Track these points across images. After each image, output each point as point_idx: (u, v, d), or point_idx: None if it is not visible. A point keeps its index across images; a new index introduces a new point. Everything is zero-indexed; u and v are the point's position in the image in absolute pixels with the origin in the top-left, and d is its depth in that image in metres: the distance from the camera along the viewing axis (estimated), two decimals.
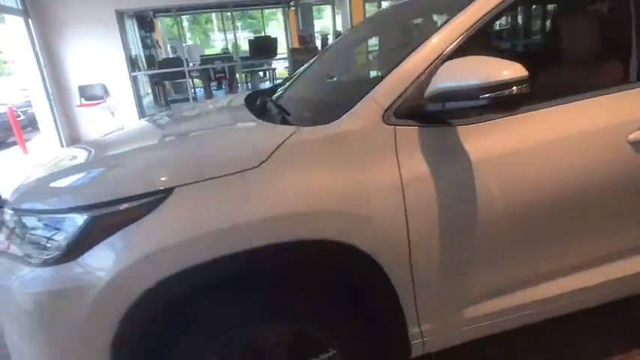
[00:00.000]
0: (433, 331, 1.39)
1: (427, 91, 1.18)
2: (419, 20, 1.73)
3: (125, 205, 1.13)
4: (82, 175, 1.36)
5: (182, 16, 11.96)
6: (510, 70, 1.05)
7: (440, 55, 1.23)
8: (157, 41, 13.42)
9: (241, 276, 1.17)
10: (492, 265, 1.34)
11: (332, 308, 1.29)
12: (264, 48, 8.77)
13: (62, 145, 7.25)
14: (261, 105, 1.76)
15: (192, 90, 8.67)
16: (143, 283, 1.10)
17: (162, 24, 15.27)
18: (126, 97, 7.75)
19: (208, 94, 8.84)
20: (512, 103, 1.07)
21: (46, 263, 1.17)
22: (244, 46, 12.33)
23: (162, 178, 1.16)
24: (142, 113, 8.06)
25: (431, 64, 1.23)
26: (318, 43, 12.18)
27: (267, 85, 12.23)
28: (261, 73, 11.00)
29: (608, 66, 1.51)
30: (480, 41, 1.32)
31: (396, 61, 1.27)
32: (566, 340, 1.83)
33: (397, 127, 1.22)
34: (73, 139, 7.54)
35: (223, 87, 10.79)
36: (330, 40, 11.81)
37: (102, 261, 1.12)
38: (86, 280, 1.12)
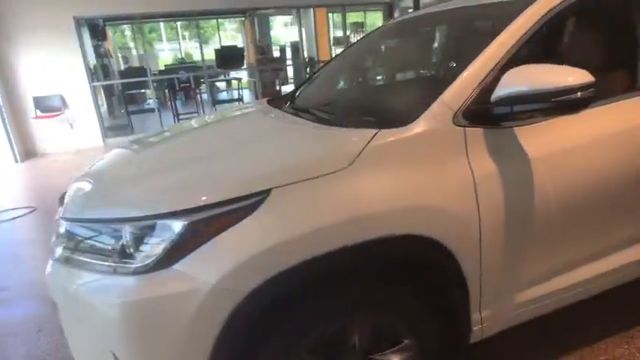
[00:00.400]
0: (491, 317, 1.50)
1: (494, 95, 1.30)
2: (475, 24, 1.85)
3: (225, 209, 1.15)
4: (167, 179, 1.35)
5: (133, 25, 11.54)
6: (578, 76, 1.19)
7: (499, 62, 1.37)
8: (109, 50, 12.89)
9: (335, 272, 1.22)
10: (545, 252, 1.49)
11: (411, 299, 1.37)
12: (231, 58, 8.73)
13: (16, 161, 6.76)
14: (306, 109, 1.80)
15: (155, 100, 8.40)
16: (247, 285, 1.12)
17: (112, 33, 14.68)
18: (86, 109, 7.38)
19: (172, 105, 8.60)
20: (580, 106, 1.22)
21: (136, 272, 1.15)
22: (197, 56, 12.19)
23: (260, 181, 1.19)
24: (103, 125, 7.70)
25: (491, 70, 1.36)
26: (277, 53, 12.30)
27: (227, 95, 12.15)
28: (223, 84, 10.90)
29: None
30: (535, 47, 1.46)
31: (461, 66, 1.39)
32: (565, 322, 1.91)
33: (466, 129, 1.33)
34: (28, 153, 7.06)
35: (182, 98, 10.53)
36: (289, 50, 11.98)
37: (203, 266, 1.13)
38: (186, 286, 1.12)
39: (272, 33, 15.65)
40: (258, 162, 1.33)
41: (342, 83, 2.06)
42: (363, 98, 1.89)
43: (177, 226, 1.14)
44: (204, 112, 8.39)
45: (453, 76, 1.39)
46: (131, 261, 1.17)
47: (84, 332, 1.29)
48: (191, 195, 1.19)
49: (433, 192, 1.28)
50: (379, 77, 2.15)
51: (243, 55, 9.26)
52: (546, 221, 1.43)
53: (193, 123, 2.16)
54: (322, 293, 1.25)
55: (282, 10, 10.99)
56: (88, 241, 1.29)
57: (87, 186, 1.52)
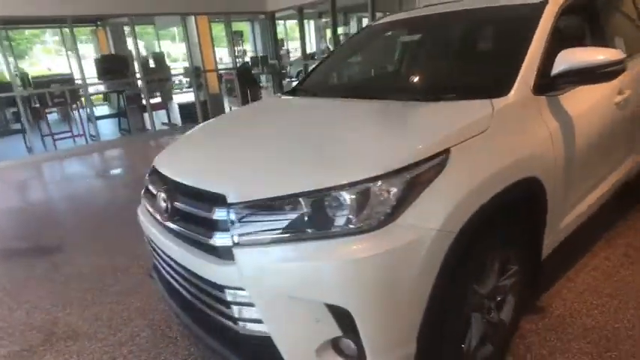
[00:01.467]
0: (550, 241, 1.99)
1: (555, 71, 1.78)
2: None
3: (425, 166, 1.36)
4: (349, 151, 1.50)
5: None
6: (614, 53, 1.74)
7: (543, 49, 1.86)
8: None
9: (493, 213, 1.53)
10: (581, 181, 2.06)
11: (520, 232, 1.76)
12: (113, 68, 7.95)
13: None
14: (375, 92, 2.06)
15: (26, 119, 7.14)
16: (457, 226, 1.36)
17: None
18: None
19: (45, 124, 7.42)
20: (617, 74, 1.77)
21: (363, 231, 1.28)
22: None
23: (441, 143, 1.43)
24: None
25: (542, 54, 1.84)
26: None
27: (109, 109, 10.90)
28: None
29: None
30: (556, 35, 1.98)
31: (523, 50, 1.84)
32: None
33: (538, 97, 1.79)
34: None
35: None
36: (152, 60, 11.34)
37: (422, 216, 1.31)
38: (413, 235, 1.29)
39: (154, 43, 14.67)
40: (426, 131, 1.55)
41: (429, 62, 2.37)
42: (445, 78, 2.20)
43: (396, 185, 1.31)
44: (84, 130, 7.47)
45: (516, 60, 1.82)
46: (354, 223, 1.29)
47: (293, 306, 1.33)
48: (398, 157, 1.36)
49: (533, 143, 1.70)
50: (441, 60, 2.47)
51: (127, 65, 8.50)
52: (583, 156, 1.99)
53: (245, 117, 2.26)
54: (489, 231, 1.54)
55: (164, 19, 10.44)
56: (293, 216, 1.34)
57: (242, 169, 1.57)
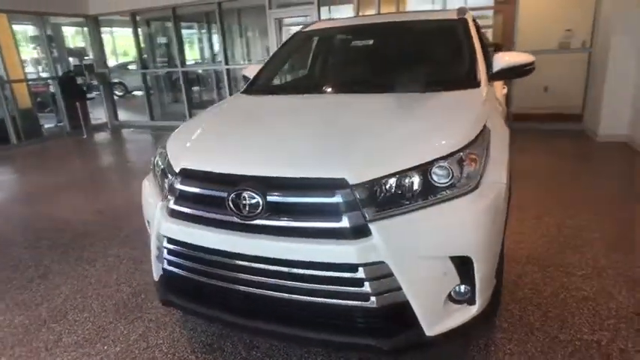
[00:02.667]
0: None
1: (495, 69, 2.40)
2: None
3: (484, 135, 1.72)
4: (427, 129, 1.77)
5: None
6: (531, 57, 2.45)
7: (482, 53, 2.48)
8: None
9: None
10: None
11: None
12: None
13: None
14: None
15: None
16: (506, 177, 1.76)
17: None
18: None
19: None
20: (532, 71, 2.48)
21: (470, 190, 1.57)
22: None
23: (482, 118, 1.81)
24: None
25: (483, 57, 2.46)
26: None
27: None
28: None
29: None
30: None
31: (473, 53, 2.41)
32: None
33: (488, 86, 2.38)
34: None
35: None
36: None
37: (493, 174, 1.67)
38: (500, 186, 1.67)
39: None
40: (467, 111, 1.90)
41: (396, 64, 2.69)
42: (425, 75, 2.55)
43: (477, 151, 1.63)
44: None
45: (473, 61, 2.38)
46: (460, 186, 1.56)
47: (425, 266, 1.51)
48: (468, 132, 1.68)
49: (498, 113, 2.26)
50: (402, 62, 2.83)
51: None
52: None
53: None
54: None
55: None
56: (410, 188, 1.53)
57: (343, 154, 1.62)
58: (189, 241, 1.72)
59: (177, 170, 1.80)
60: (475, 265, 1.55)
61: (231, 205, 1.60)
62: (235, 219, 1.61)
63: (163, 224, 1.79)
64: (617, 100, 5.35)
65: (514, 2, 6.19)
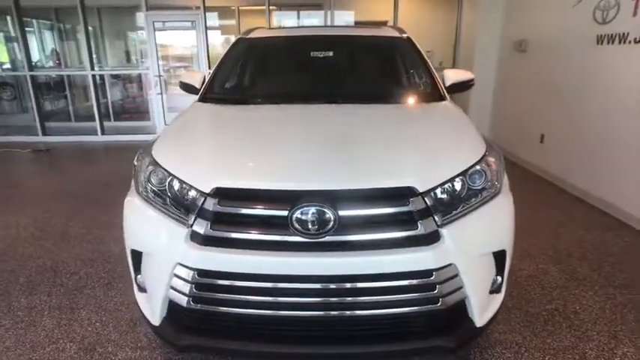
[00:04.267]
0: None
1: (448, 83, 2.72)
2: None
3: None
4: (448, 137, 1.93)
5: None
6: (471, 74, 2.84)
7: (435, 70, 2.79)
8: None
9: None
10: None
11: None
12: None
13: None
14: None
15: None
16: None
17: None
18: None
19: None
20: (472, 86, 2.87)
21: (498, 191, 1.76)
22: None
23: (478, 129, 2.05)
24: None
25: (432, 74, 2.76)
26: None
27: None
28: None
29: None
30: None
31: (427, 69, 2.69)
32: None
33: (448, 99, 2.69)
34: None
35: None
36: None
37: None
38: (508, 188, 1.87)
39: None
40: (466, 126, 2.08)
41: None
42: (393, 88, 2.62)
43: (495, 157, 1.83)
44: None
45: (431, 76, 2.66)
46: (492, 185, 1.72)
47: (480, 262, 1.64)
48: (482, 141, 1.88)
49: None
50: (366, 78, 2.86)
51: None
52: None
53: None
54: None
55: None
56: (464, 191, 1.64)
57: (405, 163, 1.66)
58: (233, 270, 1.51)
59: (207, 190, 1.55)
60: (507, 257, 1.75)
61: (295, 224, 1.46)
62: (299, 238, 1.48)
63: (191, 255, 1.52)
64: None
65: (393, 22, 6.98)
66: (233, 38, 5.46)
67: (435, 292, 1.55)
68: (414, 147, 1.78)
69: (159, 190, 1.70)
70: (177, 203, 1.63)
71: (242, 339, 1.61)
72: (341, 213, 1.47)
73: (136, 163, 1.92)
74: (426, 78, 2.71)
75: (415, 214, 1.52)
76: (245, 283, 1.51)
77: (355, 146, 1.78)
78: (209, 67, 6.80)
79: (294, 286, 1.50)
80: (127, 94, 8.74)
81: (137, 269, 1.80)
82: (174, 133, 2.06)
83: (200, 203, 1.56)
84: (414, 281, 1.52)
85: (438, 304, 1.57)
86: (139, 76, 8.68)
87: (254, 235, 1.51)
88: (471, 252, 1.59)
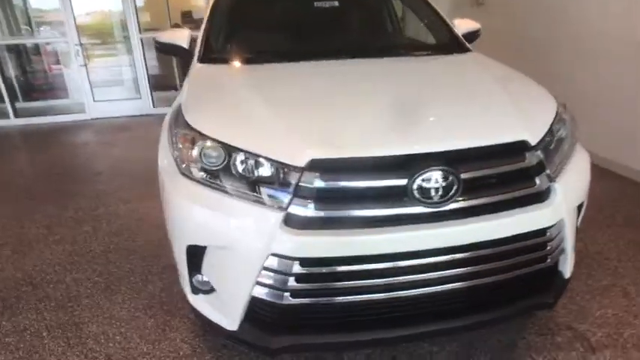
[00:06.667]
0: None
1: (461, 31, 2.62)
2: None
3: None
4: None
5: None
6: (478, 24, 2.77)
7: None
8: None
9: None
10: None
11: None
12: None
13: None
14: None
15: None
16: None
17: None
18: None
19: None
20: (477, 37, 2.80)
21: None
22: None
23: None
24: None
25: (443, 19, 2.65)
26: None
27: None
28: None
29: None
30: None
31: (442, 19, 2.56)
32: None
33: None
34: None
35: None
36: None
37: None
38: None
39: None
40: (515, 74, 1.98)
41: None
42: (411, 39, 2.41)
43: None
44: None
45: (446, 26, 2.54)
46: (569, 134, 1.66)
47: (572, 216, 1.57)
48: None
49: None
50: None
51: None
52: None
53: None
54: None
55: None
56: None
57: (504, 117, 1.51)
58: (346, 254, 1.29)
59: (301, 164, 1.29)
60: (583, 209, 1.74)
61: (416, 193, 1.28)
62: (421, 209, 1.30)
63: (292, 242, 1.27)
64: None
65: None
66: None
67: (547, 249, 1.48)
68: (501, 100, 1.65)
69: (222, 170, 1.40)
70: (256, 184, 1.35)
71: (347, 330, 1.42)
72: (464, 176, 1.31)
73: (170, 142, 1.57)
74: (445, 29, 2.57)
75: (531, 169, 1.42)
76: (357, 266, 1.31)
77: (440, 103, 1.61)
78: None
79: (413, 263, 1.33)
80: (37, 68, 7.44)
81: (196, 268, 1.50)
82: (213, 103, 1.70)
83: (295, 180, 1.29)
84: (531, 241, 1.44)
85: (547, 262, 1.52)
86: (43, 47, 7.42)
87: (367, 212, 1.29)
88: (571, 205, 1.54)
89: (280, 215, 1.29)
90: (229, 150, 1.39)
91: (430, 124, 1.44)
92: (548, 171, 1.45)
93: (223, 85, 1.83)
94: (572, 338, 1.85)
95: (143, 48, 6.02)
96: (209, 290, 1.53)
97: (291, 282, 1.32)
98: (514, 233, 1.38)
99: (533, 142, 1.44)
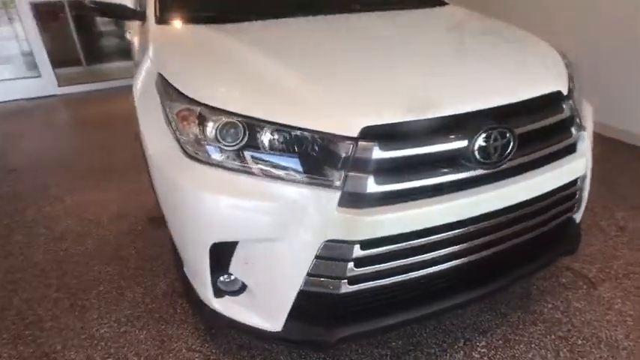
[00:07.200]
0: None
1: None
2: None
3: None
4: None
5: None
6: None
7: None
8: None
9: None
10: None
11: None
12: None
13: None
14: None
15: None
16: None
17: None
18: None
19: None
20: None
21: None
22: None
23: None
24: None
25: None
26: None
27: None
28: None
29: None
30: None
31: None
32: None
33: None
34: None
35: None
36: None
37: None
38: None
39: None
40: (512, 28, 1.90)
41: None
42: None
43: None
44: None
45: None
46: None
47: None
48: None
49: None
50: None
51: None
52: None
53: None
54: None
55: None
56: None
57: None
58: (410, 229, 1.16)
59: (354, 134, 1.10)
60: None
61: (477, 154, 1.17)
62: (480, 171, 1.20)
63: (352, 224, 1.11)
64: None
65: None
66: None
67: (575, 198, 1.50)
68: (521, 52, 1.59)
69: (245, 149, 1.16)
70: (296, 162, 1.14)
71: (400, 309, 1.31)
72: (518, 131, 1.23)
73: (167, 121, 1.28)
74: None
75: (567, 120, 1.39)
76: (421, 240, 1.19)
77: (466, 59, 1.49)
78: None
79: (473, 228, 1.25)
80: None
81: (223, 267, 1.26)
82: (213, 70, 1.38)
83: (346, 153, 1.11)
84: (566, 192, 1.44)
85: (574, 211, 1.54)
86: None
87: (428, 180, 1.16)
88: (590, 153, 1.57)
89: (336, 195, 1.11)
90: (254, 124, 1.16)
91: (473, 80, 1.32)
92: (578, 120, 1.44)
93: (214, 48, 1.52)
94: (574, 278, 1.96)
95: (37, 14, 5.05)
96: (237, 291, 1.32)
97: (350, 268, 1.17)
98: (558, 185, 1.36)
99: (564, 91, 1.41)
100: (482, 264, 1.36)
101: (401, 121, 1.14)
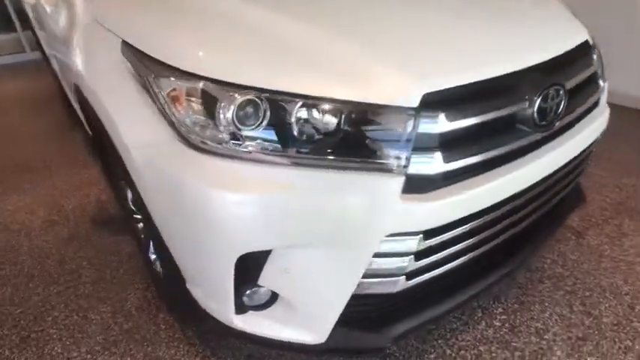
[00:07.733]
0: None
1: None
2: None
3: None
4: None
5: None
6: None
7: None
8: None
9: None
10: None
11: None
12: None
13: None
14: None
15: None
16: None
17: None
18: None
19: None
20: None
21: None
22: None
23: None
24: None
25: None
26: None
27: None
28: None
29: None
30: None
31: None
32: None
33: None
34: None
35: None
36: None
37: None
38: None
39: None
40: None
41: None
42: None
43: None
44: None
45: None
46: None
47: None
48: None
49: None
50: None
51: None
52: None
53: None
54: None
55: None
56: None
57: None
58: (476, 210, 1.01)
59: (414, 104, 0.90)
60: None
61: (536, 116, 1.04)
62: (539, 134, 1.08)
63: (417, 213, 0.93)
64: None
65: None
66: None
67: (592, 151, 1.47)
68: (546, 7, 1.44)
69: (268, 131, 0.91)
70: (341, 144, 0.91)
71: (450, 293, 1.19)
72: (568, 87, 1.12)
73: (157, 102, 0.97)
74: None
75: (599, 70, 1.33)
76: (484, 218, 1.06)
77: (495, 14, 1.31)
78: None
79: (528, 196, 1.15)
80: None
81: (251, 280, 1.02)
82: (209, 34, 1.03)
83: (406, 128, 0.91)
84: (591, 148, 1.39)
85: (589, 163, 1.52)
86: None
87: (495, 151, 1.01)
88: None
89: (398, 181, 0.91)
90: (282, 100, 0.90)
91: (518, 36, 1.16)
92: (601, 71, 1.38)
93: (205, 5, 1.16)
94: (563, 229, 2.01)
95: None
96: (265, 304, 1.09)
97: (410, 262, 1.00)
98: (593, 139, 1.31)
99: (590, 41, 1.33)
100: (521, 232, 1.28)
101: (461, 84, 0.95)
